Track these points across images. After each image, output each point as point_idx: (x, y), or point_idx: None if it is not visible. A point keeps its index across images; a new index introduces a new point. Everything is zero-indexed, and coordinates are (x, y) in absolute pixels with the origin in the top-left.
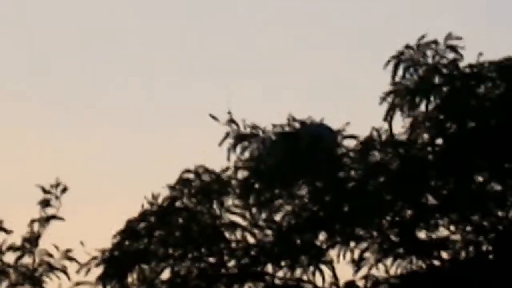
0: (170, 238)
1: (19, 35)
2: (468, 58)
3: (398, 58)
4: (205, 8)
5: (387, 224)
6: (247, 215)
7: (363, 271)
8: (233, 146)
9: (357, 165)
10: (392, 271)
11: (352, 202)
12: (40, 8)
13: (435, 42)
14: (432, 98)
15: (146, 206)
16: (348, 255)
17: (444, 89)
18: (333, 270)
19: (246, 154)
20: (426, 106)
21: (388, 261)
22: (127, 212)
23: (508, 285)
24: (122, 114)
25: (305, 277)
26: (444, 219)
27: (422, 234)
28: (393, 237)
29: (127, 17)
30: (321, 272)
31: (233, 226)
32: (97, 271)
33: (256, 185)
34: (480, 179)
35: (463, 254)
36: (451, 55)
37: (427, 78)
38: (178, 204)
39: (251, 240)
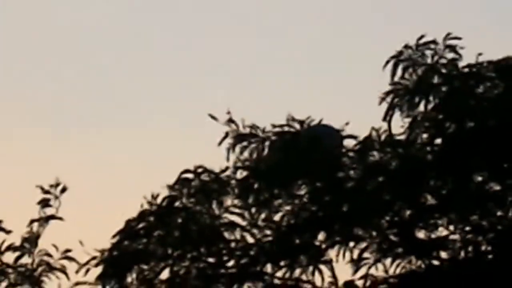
0: (169, 238)
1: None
2: (467, 58)
3: (397, 58)
4: (203, 7)
5: (386, 224)
6: (246, 215)
7: (362, 270)
8: (232, 146)
9: (356, 165)
10: (391, 271)
11: (351, 202)
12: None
13: (434, 42)
14: (431, 98)
15: (145, 206)
16: (347, 255)
17: (443, 89)
18: (332, 269)
19: (246, 154)
20: (425, 106)
21: (388, 260)
22: (126, 212)
23: (508, 285)
24: (121, 114)
25: (304, 277)
26: (443, 219)
27: (421, 234)
28: (392, 237)
29: (125, 16)
30: (320, 272)
31: (232, 226)
32: (96, 271)
33: (255, 185)
34: (479, 179)
35: (462, 254)
36: (450, 55)
37: (426, 78)
38: (177, 204)
39: (250, 240)
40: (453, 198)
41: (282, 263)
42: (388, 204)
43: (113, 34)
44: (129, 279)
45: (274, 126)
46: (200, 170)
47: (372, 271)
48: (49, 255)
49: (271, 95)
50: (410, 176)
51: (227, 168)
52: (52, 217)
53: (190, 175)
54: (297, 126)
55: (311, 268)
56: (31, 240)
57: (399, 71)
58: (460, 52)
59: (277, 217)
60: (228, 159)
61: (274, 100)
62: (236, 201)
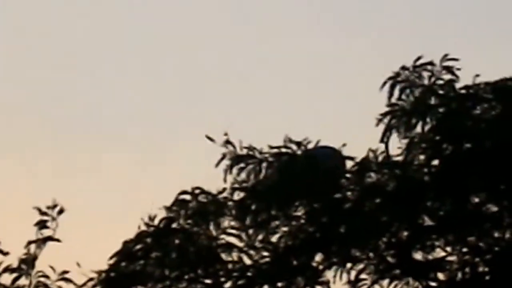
0: (166, 260)
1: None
2: (464, 79)
3: (394, 79)
4: (200, 28)
5: (384, 245)
6: (244, 236)
7: None
8: (230, 167)
9: (353, 186)
10: None
11: (348, 223)
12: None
13: (431, 63)
14: (428, 119)
15: (143, 227)
16: (345, 276)
17: (440, 110)
18: None
19: (243, 175)
20: (422, 127)
21: (385, 282)
22: (124, 233)
23: None
24: (118, 136)
25: None
26: (441, 240)
27: (418, 255)
28: (389, 258)
29: (120, 34)
30: None
31: (230, 247)
32: None
33: (253, 206)
34: (477, 200)
35: (459, 275)
36: (447, 76)
37: (423, 99)
38: (174, 225)
39: (247, 261)
40: (450, 219)
41: (279, 285)
42: (385, 225)
43: (107, 53)
44: None
45: (271, 147)
46: (197, 191)
47: None
48: (47, 277)
49: (268, 116)
50: (408, 197)
51: (224, 189)
52: (50, 238)
53: (187, 197)
54: (294, 147)
55: None
56: (29, 261)
57: (396, 93)
58: (457, 73)
59: (274, 239)
60: (225, 180)
61: (271, 122)
62: (233, 223)
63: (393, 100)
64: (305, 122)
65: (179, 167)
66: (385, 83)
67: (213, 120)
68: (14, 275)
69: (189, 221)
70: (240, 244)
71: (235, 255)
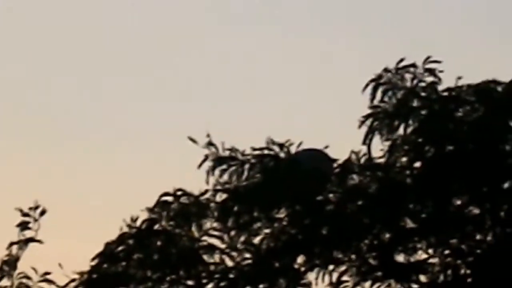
0: (148, 261)
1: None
2: (447, 82)
3: (376, 81)
4: (182, 29)
5: (366, 247)
6: (226, 238)
7: None
8: (212, 169)
9: (335, 188)
10: None
11: (330, 226)
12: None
13: (414, 65)
14: (410, 122)
15: (125, 229)
16: (327, 278)
17: (423, 112)
18: None
19: (225, 177)
20: (405, 129)
21: (367, 284)
22: (106, 235)
23: None
24: (100, 137)
25: None
26: (423, 243)
27: (400, 258)
28: (371, 260)
29: (104, 38)
30: None
31: (212, 249)
32: None
33: (235, 208)
34: (459, 202)
35: (441, 277)
36: (429, 79)
37: (406, 101)
38: (156, 227)
39: (229, 263)
40: (432, 222)
41: (261, 286)
42: (367, 228)
43: (90, 55)
44: None
45: (253, 149)
46: (179, 193)
47: None
48: (28, 278)
49: (250, 118)
50: (390, 199)
51: (206, 191)
52: (31, 239)
53: (169, 198)
54: (277, 149)
55: None
56: (10, 263)
57: (378, 95)
58: (439, 75)
59: (256, 240)
60: (207, 182)
61: (253, 124)
62: (215, 224)
63: (376, 102)
64: (288, 124)
65: (161, 169)
66: (367, 85)
67: (196, 122)
68: None
69: (171, 222)
70: (222, 246)
71: (217, 257)
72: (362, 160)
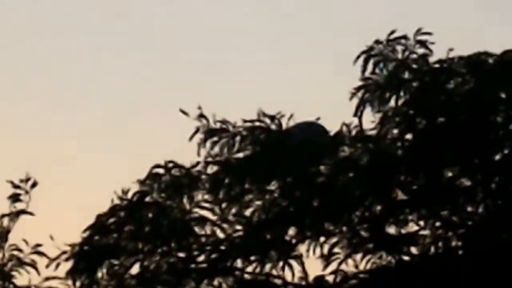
0: (139, 233)
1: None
2: (438, 54)
3: (367, 53)
4: (174, 3)
5: (357, 219)
6: (217, 210)
7: (333, 266)
8: (203, 141)
9: (327, 160)
10: (361, 266)
11: (321, 197)
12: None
13: (405, 37)
14: (402, 93)
15: (116, 201)
16: (318, 250)
17: (414, 84)
18: (302, 265)
19: (216, 149)
20: (396, 101)
21: (358, 256)
22: (97, 207)
23: (477, 280)
24: (91, 109)
25: (274, 272)
26: (414, 214)
27: (391, 229)
28: (362, 232)
29: (99, 14)
30: (291, 267)
31: (203, 220)
32: (67, 265)
33: (226, 180)
34: (450, 174)
35: (432, 249)
36: (421, 51)
37: (397, 73)
38: (147, 199)
39: (220, 235)
40: (423, 194)
41: (252, 258)
42: (358, 200)
43: (85, 30)
44: (99, 274)
45: (244, 121)
46: (170, 165)
47: (343, 266)
48: (20, 250)
49: (241, 90)
50: (381, 171)
51: (197, 163)
52: (23, 212)
53: (161, 170)
54: (268, 121)
55: (281, 263)
56: (1, 235)
57: (369, 67)
58: (430, 47)
59: (247, 212)
60: (199, 154)
61: (244, 96)
62: (206, 196)
63: (367, 74)
64: (279, 96)
65: (153, 141)
66: (358, 57)
67: (187, 94)
68: None
69: (163, 194)
70: (214, 218)
71: (208, 229)
72: (353, 132)
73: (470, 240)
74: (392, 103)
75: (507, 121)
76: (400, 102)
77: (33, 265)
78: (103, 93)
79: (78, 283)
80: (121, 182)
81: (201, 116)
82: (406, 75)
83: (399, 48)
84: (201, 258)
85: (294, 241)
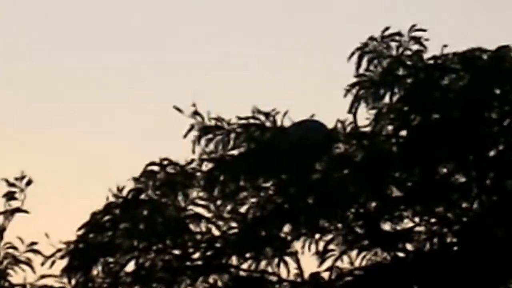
0: (134, 230)
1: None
2: (432, 50)
3: (362, 50)
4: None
5: (352, 216)
6: (212, 207)
7: (328, 262)
8: (198, 138)
9: (321, 156)
10: (357, 263)
11: (316, 194)
12: None
13: (399, 33)
14: (396, 90)
15: (111, 198)
16: (313, 247)
17: (408, 80)
18: (297, 262)
19: (211, 146)
20: (390, 98)
21: (353, 253)
22: (92, 204)
23: (472, 276)
24: (86, 106)
25: (269, 269)
26: (409, 211)
27: (386, 226)
28: (357, 229)
29: (91, 12)
30: (286, 264)
31: (198, 218)
32: (62, 263)
33: (221, 177)
34: (445, 170)
35: (427, 245)
36: (415, 47)
37: (391, 69)
38: (142, 196)
39: (216, 232)
40: (418, 190)
41: (247, 255)
42: (353, 196)
43: (77, 29)
44: (94, 272)
45: (239, 118)
46: (165, 162)
47: (338, 263)
48: (15, 248)
49: (236, 87)
50: (376, 168)
51: (192, 160)
52: (18, 210)
53: (155, 168)
54: (263, 118)
55: (276, 260)
56: None
57: (364, 63)
58: (425, 44)
59: (242, 209)
60: (193, 151)
61: (239, 93)
62: (201, 193)
63: (361, 70)
64: (274, 93)
65: (147, 138)
66: (353, 53)
67: (181, 91)
68: None
69: (157, 192)
70: (209, 215)
71: (203, 226)
72: (348, 129)
73: (465, 237)
74: (386, 99)
75: (502, 117)
76: (394, 98)
77: (28, 263)
78: (98, 90)
79: (73, 281)
80: (116, 179)
81: (196, 113)
82: (401, 71)
83: (393, 44)
84: (196, 255)
85: (289, 238)
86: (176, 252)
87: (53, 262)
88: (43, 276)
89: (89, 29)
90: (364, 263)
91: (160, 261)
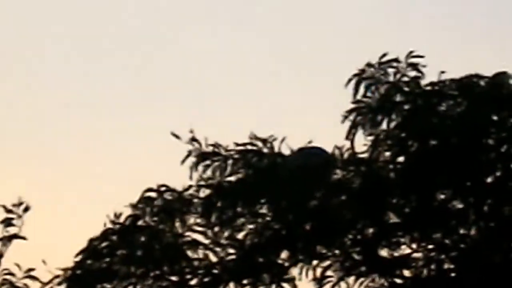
0: (132, 257)
1: None
2: (430, 76)
3: (359, 76)
4: (164, 27)
5: (349, 242)
6: (210, 233)
7: None
8: (195, 165)
9: (319, 183)
10: None
11: (314, 221)
12: None
13: (396, 60)
14: (393, 116)
15: (108, 225)
16: (311, 273)
17: (406, 107)
18: None
19: (208, 173)
20: (388, 124)
21: (351, 279)
22: (89, 231)
23: None
24: (84, 132)
25: None
26: (406, 237)
27: (384, 252)
28: (355, 255)
29: (92, 35)
30: None
31: (195, 244)
32: None
33: (219, 204)
34: (442, 197)
35: (425, 272)
36: (412, 73)
37: (389, 96)
38: (140, 222)
39: (213, 258)
40: (416, 216)
41: (245, 282)
42: (351, 223)
43: (76, 51)
44: None
45: (237, 144)
46: (163, 188)
47: None
48: (12, 274)
49: (233, 113)
50: (373, 194)
51: (190, 186)
52: (15, 236)
53: (153, 194)
54: (260, 144)
55: (274, 286)
56: None
57: (361, 89)
58: (422, 70)
59: (240, 236)
60: (191, 177)
61: (236, 119)
62: (199, 220)
63: (359, 97)
64: (271, 119)
65: (145, 164)
66: (350, 80)
67: (179, 117)
68: None
69: (155, 218)
70: (206, 241)
71: (201, 252)
72: (346, 155)
73: (463, 263)
74: (384, 125)
75: (499, 143)
76: (392, 124)
77: None
78: (95, 116)
79: None
80: (114, 205)
81: (193, 139)
82: (398, 98)
83: (391, 71)
84: (194, 282)
85: (286, 264)
86: (174, 278)
87: None
88: None
89: (86, 56)
90: None
91: (158, 287)
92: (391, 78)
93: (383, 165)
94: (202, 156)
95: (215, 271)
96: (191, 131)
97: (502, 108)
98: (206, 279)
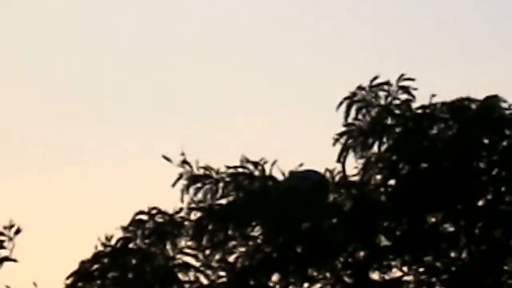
0: (123, 279)
1: None
2: (421, 99)
3: (350, 99)
4: (156, 48)
5: (341, 265)
6: (201, 256)
7: None
8: (187, 187)
9: (311, 206)
10: None
11: (305, 243)
12: None
13: (388, 83)
14: (384, 139)
15: (100, 247)
16: None
17: (397, 130)
18: None
19: (200, 195)
20: (379, 147)
21: None
22: (81, 253)
23: None
24: (75, 155)
25: None
26: (397, 260)
27: (375, 275)
28: (346, 278)
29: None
30: None
31: (187, 267)
32: None
33: (210, 226)
34: (433, 220)
35: None
36: (403, 96)
37: (380, 119)
38: (131, 245)
39: (204, 281)
40: (407, 239)
41: None
42: (342, 245)
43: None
44: None
45: (228, 167)
46: (154, 211)
47: None
48: None
49: (225, 137)
50: (364, 217)
51: (181, 209)
52: (6, 258)
53: (144, 217)
54: (251, 167)
55: None
56: None
57: (352, 112)
58: (413, 93)
59: (231, 258)
60: (182, 200)
61: (228, 142)
62: (190, 242)
63: (350, 120)
64: (262, 142)
65: (136, 187)
66: (341, 103)
67: (170, 140)
68: None
69: (146, 241)
70: (197, 264)
71: (192, 275)
72: (337, 178)
73: (454, 286)
74: (375, 148)
75: (490, 166)
76: (383, 147)
77: None
78: (87, 139)
79: None
80: (105, 228)
81: (184, 162)
82: (389, 120)
83: (382, 94)
84: None
85: (278, 287)
86: None
87: None
88: None
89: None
90: None
91: None
92: (382, 101)
93: (374, 188)
94: (193, 179)
95: None
96: (182, 154)
97: (493, 131)
98: None
